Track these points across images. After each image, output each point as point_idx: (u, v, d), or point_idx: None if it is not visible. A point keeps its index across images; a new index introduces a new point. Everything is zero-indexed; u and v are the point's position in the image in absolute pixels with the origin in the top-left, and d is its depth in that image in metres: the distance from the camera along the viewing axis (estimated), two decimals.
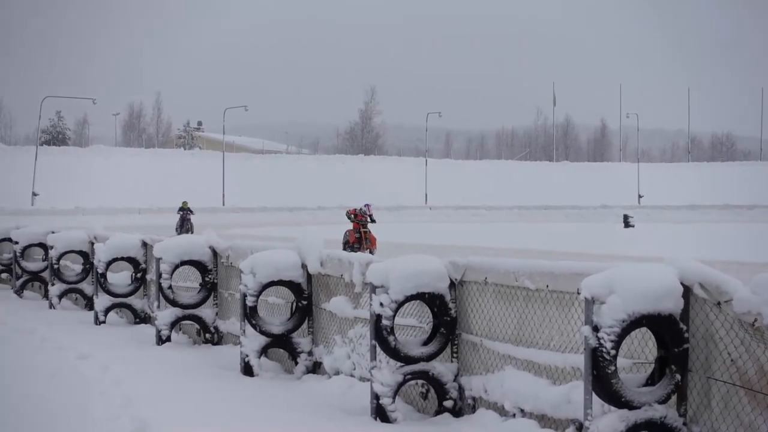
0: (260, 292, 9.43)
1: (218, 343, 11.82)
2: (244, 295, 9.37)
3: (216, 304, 11.94)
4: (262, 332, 9.48)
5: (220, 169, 74.49)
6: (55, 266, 16.15)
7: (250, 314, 9.38)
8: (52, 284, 16.17)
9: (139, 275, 14.19)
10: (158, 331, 11.74)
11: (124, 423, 7.22)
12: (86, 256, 16.07)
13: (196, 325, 12.05)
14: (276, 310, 10.29)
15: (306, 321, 9.64)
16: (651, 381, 5.64)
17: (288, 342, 9.62)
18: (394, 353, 7.31)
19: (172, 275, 11.68)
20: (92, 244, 15.66)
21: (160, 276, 11.66)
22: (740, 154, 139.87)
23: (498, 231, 44.28)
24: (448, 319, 7.39)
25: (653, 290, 5.43)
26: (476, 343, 7.27)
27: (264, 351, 9.62)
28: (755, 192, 75.96)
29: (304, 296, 9.56)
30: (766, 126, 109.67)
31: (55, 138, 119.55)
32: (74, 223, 31.85)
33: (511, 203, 72.95)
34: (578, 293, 5.75)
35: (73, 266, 16.77)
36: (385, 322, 7.21)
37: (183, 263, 11.79)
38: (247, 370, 9.49)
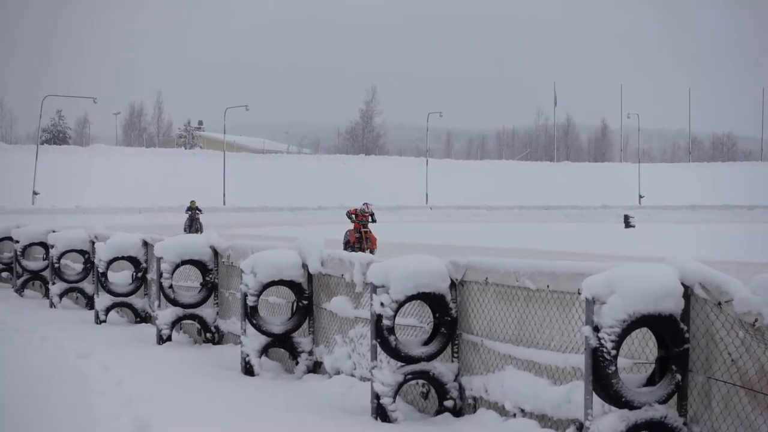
0: (261, 292, 9.43)
1: (219, 342, 11.82)
2: (245, 295, 9.37)
3: (217, 303, 11.94)
4: (263, 332, 9.48)
5: (221, 169, 74.48)
6: (56, 265, 16.15)
7: (250, 314, 9.38)
8: (53, 283, 16.17)
9: (139, 274, 14.19)
10: (159, 331, 11.75)
11: (125, 422, 7.22)
12: (87, 256, 16.07)
13: (197, 325, 12.05)
14: (277, 310, 10.29)
15: (307, 321, 9.64)
16: (651, 381, 5.64)
17: (289, 342, 9.62)
18: (394, 353, 7.31)
19: (172, 275, 11.68)
20: (93, 243, 15.67)
21: (160, 275, 11.66)
22: (741, 155, 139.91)
23: (499, 231, 44.27)
24: (449, 319, 7.40)
25: (654, 290, 5.43)
26: (477, 343, 7.27)
27: (265, 351, 9.63)
28: (756, 192, 75.92)
29: (305, 296, 9.56)
30: (766, 126, 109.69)
31: (56, 137, 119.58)
32: (75, 222, 31.81)
33: (512, 203, 72.90)
34: (579, 293, 5.75)
35: (73, 265, 16.77)
36: (385, 321, 7.21)
37: (184, 263, 11.79)
38: (248, 369, 9.49)
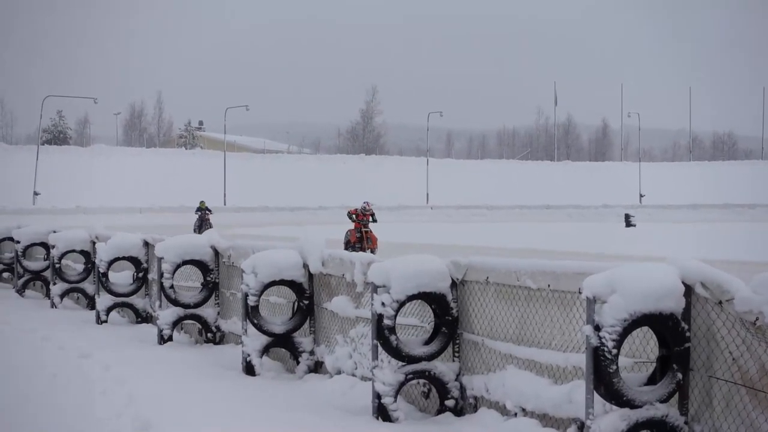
0: (262, 292, 9.44)
1: (220, 342, 11.83)
2: (246, 295, 9.37)
3: (218, 303, 11.95)
4: (264, 332, 9.48)
5: (221, 169, 74.49)
6: (57, 266, 16.15)
7: (251, 314, 9.39)
8: (54, 284, 16.17)
9: (140, 275, 14.19)
10: (160, 331, 11.75)
11: (126, 422, 7.23)
12: (88, 256, 16.08)
13: (198, 325, 12.06)
14: (278, 310, 10.29)
15: (307, 320, 9.65)
16: (652, 380, 5.65)
17: (289, 341, 9.63)
18: (395, 353, 7.32)
19: (173, 275, 11.68)
20: (94, 243, 15.67)
21: (161, 275, 11.67)
22: (741, 154, 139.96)
23: (499, 231, 44.26)
24: (450, 318, 7.40)
25: (655, 290, 5.44)
26: (478, 343, 7.28)
27: (266, 350, 9.63)
28: (756, 191, 75.85)
29: (306, 296, 9.57)
30: (767, 125, 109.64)
31: (57, 137, 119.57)
32: (75, 222, 31.81)
33: (513, 203, 72.90)
34: (580, 293, 5.75)
35: (74, 266, 16.78)
36: (386, 321, 7.22)
37: (184, 263, 11.79)
38: (249, 369, 9.50)
